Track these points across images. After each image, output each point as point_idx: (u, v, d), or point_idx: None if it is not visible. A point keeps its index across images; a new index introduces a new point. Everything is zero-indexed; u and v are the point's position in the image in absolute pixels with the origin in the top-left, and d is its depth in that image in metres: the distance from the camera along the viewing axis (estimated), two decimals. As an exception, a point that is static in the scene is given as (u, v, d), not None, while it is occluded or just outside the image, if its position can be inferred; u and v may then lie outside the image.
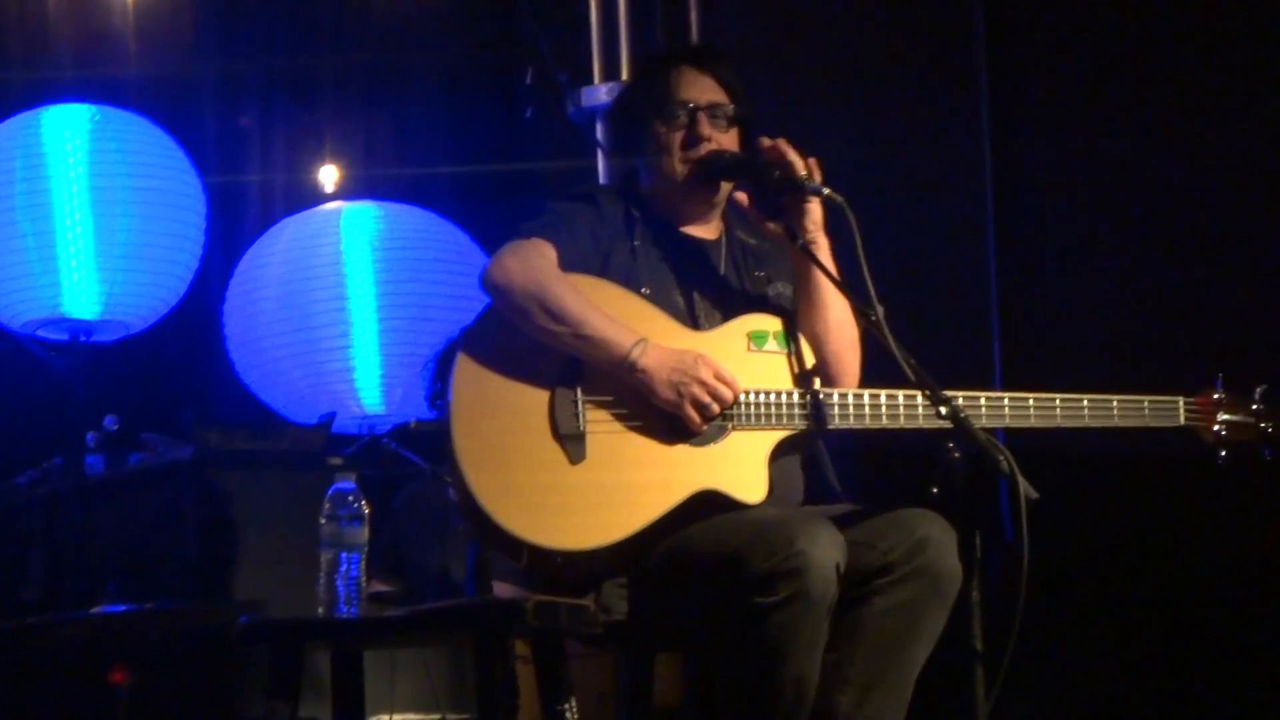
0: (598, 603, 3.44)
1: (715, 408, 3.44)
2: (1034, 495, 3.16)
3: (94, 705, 4.63)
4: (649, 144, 3.70)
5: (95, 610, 4.71)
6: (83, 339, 5.43)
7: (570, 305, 3.45)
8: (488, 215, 6.15)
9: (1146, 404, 3.72)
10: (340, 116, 6.71)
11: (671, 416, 3.46)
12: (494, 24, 6.66)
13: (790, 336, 3.60)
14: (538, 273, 3.47)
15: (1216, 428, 3.79)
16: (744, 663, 3.30)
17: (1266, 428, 3.81)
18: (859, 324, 3.55)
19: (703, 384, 3.43)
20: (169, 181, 5.53)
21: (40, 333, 5.44)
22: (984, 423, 3.53)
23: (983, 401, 3.58)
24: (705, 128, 3.67)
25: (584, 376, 3.46)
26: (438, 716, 4.43)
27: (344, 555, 3.47)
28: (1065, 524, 4.23)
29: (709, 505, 3.43)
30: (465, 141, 6.80)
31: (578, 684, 3.60)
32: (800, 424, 3.52)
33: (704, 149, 3.66)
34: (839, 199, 3.48)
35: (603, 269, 3.58)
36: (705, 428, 3.46)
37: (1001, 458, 3.18)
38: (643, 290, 3.58)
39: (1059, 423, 3.64)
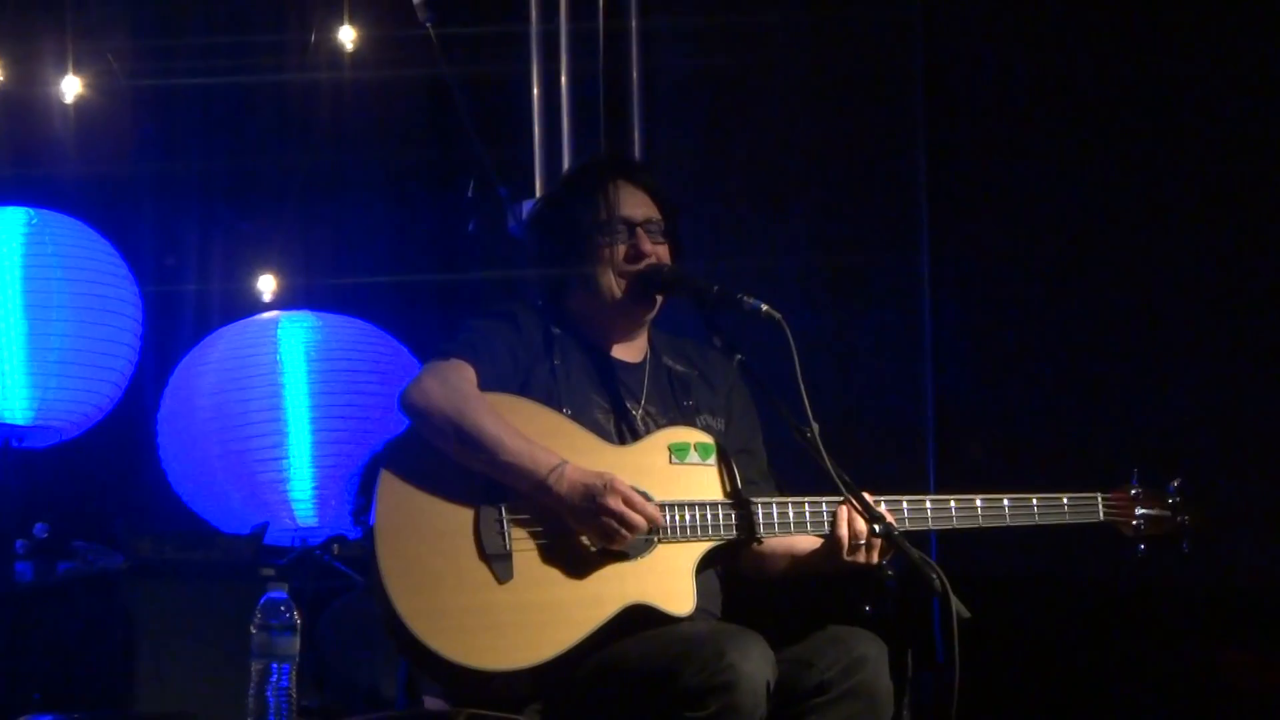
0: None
1: (626, 534, 3.43)
2: (966, 614, 3.17)
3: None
4: (588, 257, 3.72)
5: (21, 720, 4.65)
6: (14, 444, 5.37)
7: (487, 431, 3.43)
8: (427, 326, 6.13)
9: (1066, 501, 3.76)
10: (279, 224, 6.68)
11: (594, 533, 3.44)
12: (435, 135, 6.67)
13: (711, 449, 3.61)
14: (456, 396, 3.46)
15: (1135, 522, 3.84)
16: (674, 782, 3.27)
17: (1183, 520, 3.85)
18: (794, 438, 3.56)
19: (611, 513, 3.41)
20: (105, 287, 5.50)
21: (-29, 437, 5.39)
22: (907, 526, 3.56)
23: (904, 505, 3.61)
24: (646, 243, 3.70)
25: (507, 494, 3.45)
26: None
27: (275, 665, 3.45)
28: (998, 644, 4.22)
29: (639, 619, 3.41)
30: (405, 251, 6.79)
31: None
32: (725, 534, 3.53)
33: (644, 264, 3.69)
34: (777, 315, 3.49)
35: (522, 388, 3.58)
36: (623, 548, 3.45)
37: (934, 576, 3.18)
38: (564, 410, 3.58)
39: (981, 522, 3.66)
